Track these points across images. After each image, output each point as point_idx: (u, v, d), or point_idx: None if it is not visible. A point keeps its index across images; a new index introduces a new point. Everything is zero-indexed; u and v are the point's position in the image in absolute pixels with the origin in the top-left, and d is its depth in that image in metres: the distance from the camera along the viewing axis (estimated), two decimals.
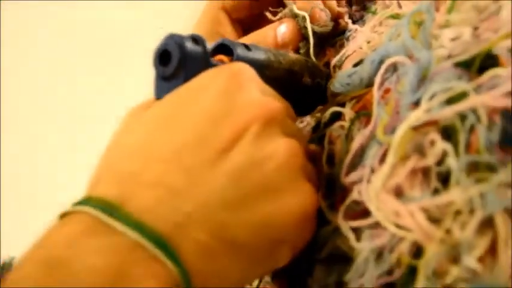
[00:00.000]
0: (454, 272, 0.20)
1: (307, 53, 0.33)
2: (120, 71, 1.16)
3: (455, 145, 0.21)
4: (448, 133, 0.22)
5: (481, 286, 0.19)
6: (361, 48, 0.31)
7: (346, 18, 0.36)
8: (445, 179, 0.21)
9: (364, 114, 0.27)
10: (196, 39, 0.26)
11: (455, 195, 0.20)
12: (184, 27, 0.37)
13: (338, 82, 0.29)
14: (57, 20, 1.25)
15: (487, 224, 0.19)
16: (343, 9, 0.37)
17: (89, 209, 0.21)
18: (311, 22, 0.33)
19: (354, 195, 0.24)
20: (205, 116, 0.23)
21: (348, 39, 0.34)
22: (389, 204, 0.22)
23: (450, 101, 0.22)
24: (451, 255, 0.20)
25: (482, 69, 0.22)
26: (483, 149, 0.20)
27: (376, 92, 0.26)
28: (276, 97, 0.26)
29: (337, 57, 0.33)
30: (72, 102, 1.21)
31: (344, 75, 0.29)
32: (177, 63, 0.25)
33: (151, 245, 0.20)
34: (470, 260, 0.19)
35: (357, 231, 0.24)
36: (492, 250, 0.19)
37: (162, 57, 0.26)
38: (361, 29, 0.33)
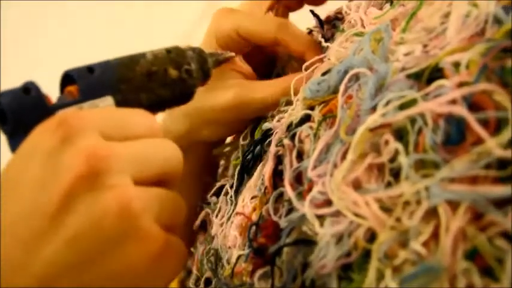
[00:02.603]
0: (403, 255, 0.20)
1: None
2: None
3: (406, 145, 0.21)
4: (400, 134, 0.22)
5: (425, 267, 0.19)
6: (329, 59, 0.31)
7: (320, 37, 0.36)
8: (396, 174, 0.21)
9: (329, 117, 0.27)
10: (28, 89, 0.23)
11: (404, 188, 0.20)
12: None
13: (309, 88, 0.29)
14: (57, 20, 1.18)
15: (431, 213, 0.20)
16: (317, 29, 0.37)
17: None
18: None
19: (319, 186, 0.24)
20: (33, 184, 0.20)
21: None
22: (348, 195, 0.22)
23: (402, 107, 0.22)
24: (400, 240, 0.20)
25: (430, 80, 0.22)
26: (429, 149, 0.20)
27: (340, 98, 0.26)
28: (113, 125, 0.22)
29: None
30: None
31: (314, 82, 0.29)
32: (13, 120, 0.23)
33: None
34: (416, 245, 0.19)
35: (321, 218, 0.24)
36: (435, 236, 0.19)
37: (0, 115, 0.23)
38: (331, 45, 0.33)
